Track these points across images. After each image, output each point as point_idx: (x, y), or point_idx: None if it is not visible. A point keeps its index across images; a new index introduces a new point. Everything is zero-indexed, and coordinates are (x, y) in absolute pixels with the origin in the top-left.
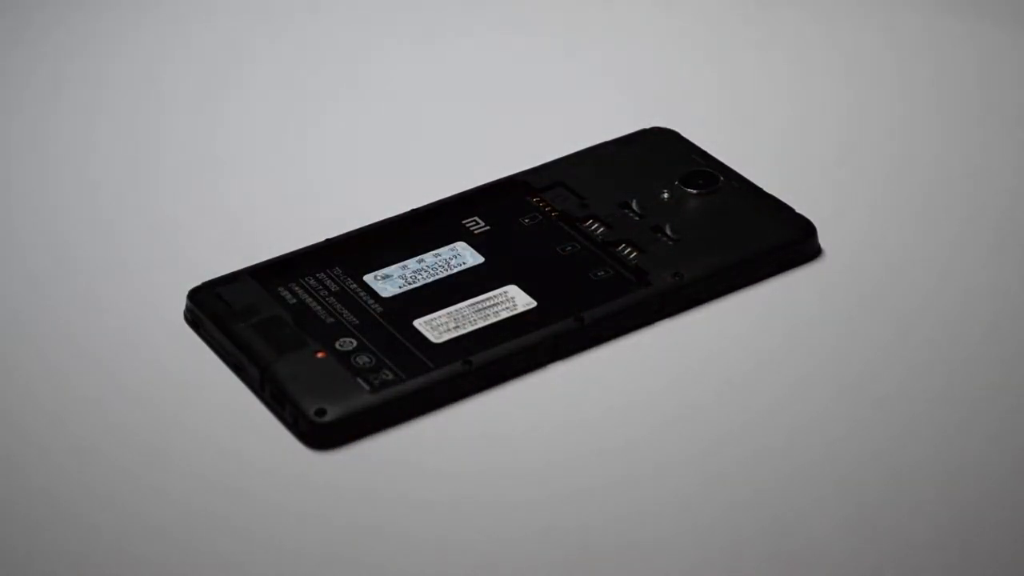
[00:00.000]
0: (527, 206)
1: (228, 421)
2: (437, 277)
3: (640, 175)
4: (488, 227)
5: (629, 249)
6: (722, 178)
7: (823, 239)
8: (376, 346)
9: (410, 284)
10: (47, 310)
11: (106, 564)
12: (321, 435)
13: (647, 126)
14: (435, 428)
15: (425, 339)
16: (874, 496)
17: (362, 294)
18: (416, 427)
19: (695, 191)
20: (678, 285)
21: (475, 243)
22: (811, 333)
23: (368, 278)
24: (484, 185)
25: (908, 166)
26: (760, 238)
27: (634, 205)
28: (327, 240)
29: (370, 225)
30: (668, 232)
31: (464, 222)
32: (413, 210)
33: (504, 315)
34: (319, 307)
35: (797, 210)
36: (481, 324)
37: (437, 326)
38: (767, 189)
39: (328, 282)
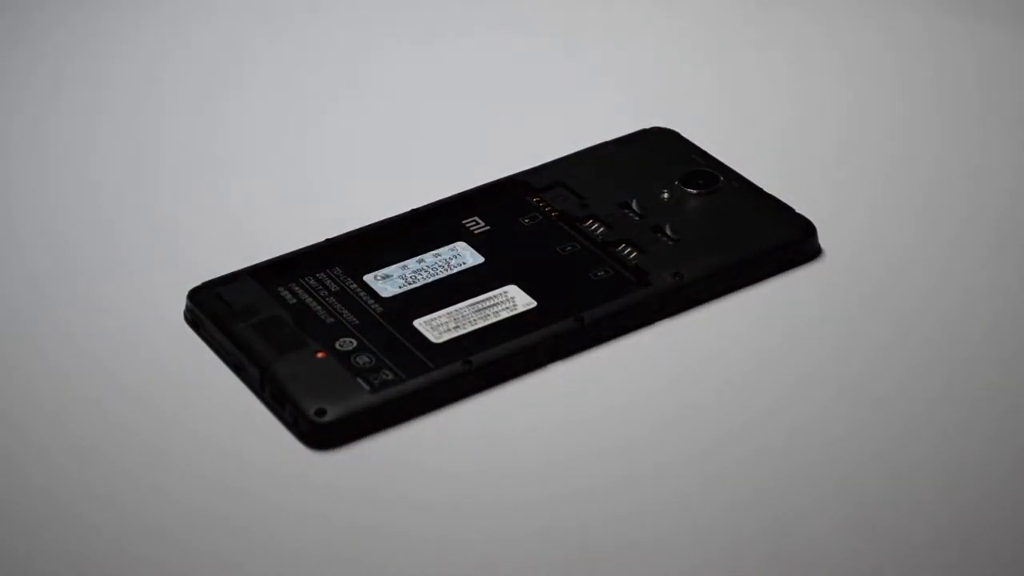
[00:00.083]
0: (527, 206)
1: (228, 421)
2: (437, 277)
3: (640, 175)
4: (488, 227)
5: (629, 249)
6: (722, 178)
7: (823, 239)
8: (376, 346)
9: (410, 284)
10: (47, 310)
11: (106, 564)
12: (321, 435)
13: (647, 126)
14: (435, 428)
15: (425, 339)
16: (874, 496)
17: (362, 294)
18: (416, 427)
19: (695, 191)
20: (678, 285)
21: (475, 243)
22: (811, 333)
23: (368, 278)
24: (484, 185)
25: (908, 166)
26: (760, 238)
27: (634, 205)
28: (327, 240)
29: (370, 225)
30: (668, 232)
31: (464, 222)
32: (413, 210)
33: (504, 315)
34: (319, 307)
35: (797, 210)
36: (481, 324)
37: (437, 326)
38: (767, 189)
39: (328, 282)
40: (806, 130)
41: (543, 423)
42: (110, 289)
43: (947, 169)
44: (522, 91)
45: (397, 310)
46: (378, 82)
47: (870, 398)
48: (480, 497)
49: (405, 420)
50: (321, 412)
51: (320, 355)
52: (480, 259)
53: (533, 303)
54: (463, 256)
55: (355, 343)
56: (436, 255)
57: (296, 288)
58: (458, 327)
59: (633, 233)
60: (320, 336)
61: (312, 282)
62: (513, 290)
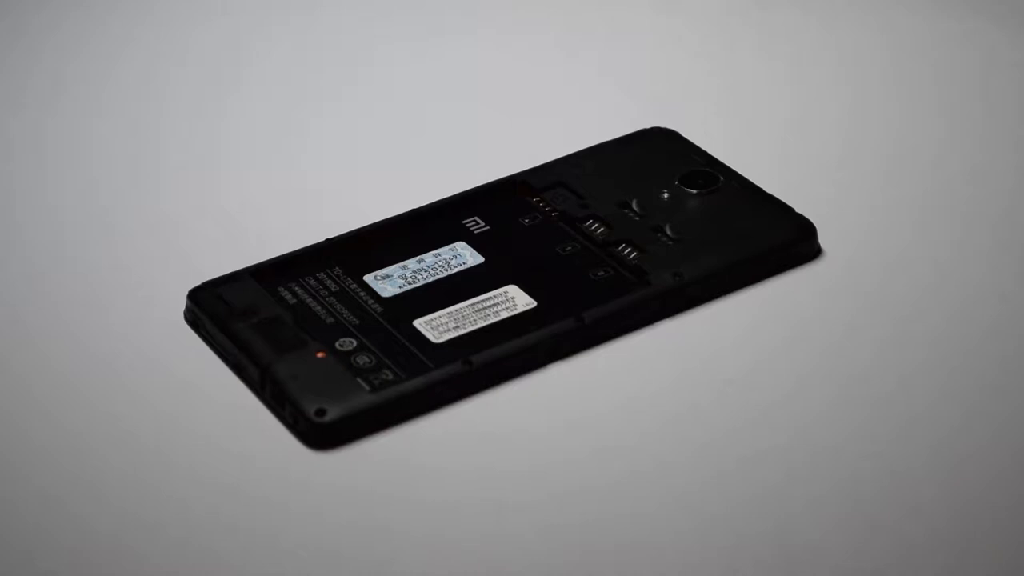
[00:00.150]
0: (527, 206)
1: (228, 421)
2: (437, 277)
3: (640, 175)
4: (488, 227)
5: (629, 249)
6: (722, 178)
7: (823, 239)
8: (376, 346)
9: (410, 284)
10: (47, 310)
11: (106, 564)
12: (321, 435)
13: (647, 126)
14: (435, 428)
15: (425, 339)
16: (874, 496)
17: (362, 294)
18: (416, 427)
19: (695, 191)
20: (678, 285)
21: (475, 243)
22: (811, 333)
23: (368, 278)
24: (484, 185)
25: (908, 166)
26: (760, 238)
27: (634, 205)
28: (327, 240)
29: (370, 225)
30: (668, 232)
31: (464, 222)
32: (413, 210)
33: (504, 315)
34: (319, 307)
35: (797, 210)
36: (481, 324)
37: (437, 326)
38: (767, 189)
39: (328, 282)
40: (806, 130)
41: (543, 423)
42: (110, 289)
43: (947, 169)
44: (522, 91)
45: (397, 310)
46: (378, 82)
47: (870, 398)
48: (480, 497)
49: (405, 420)
50: (321, 412)
51: (320, 355)
52: (480, 259)
53: (533, 303)
54: (463, 256)
55: (355, 343)
56: (436, 255)
57: (296, 288)
58: (458, 327)
59: (633, 233)
60: (320, 336)
61: (312, 282)
62: (513, 290)
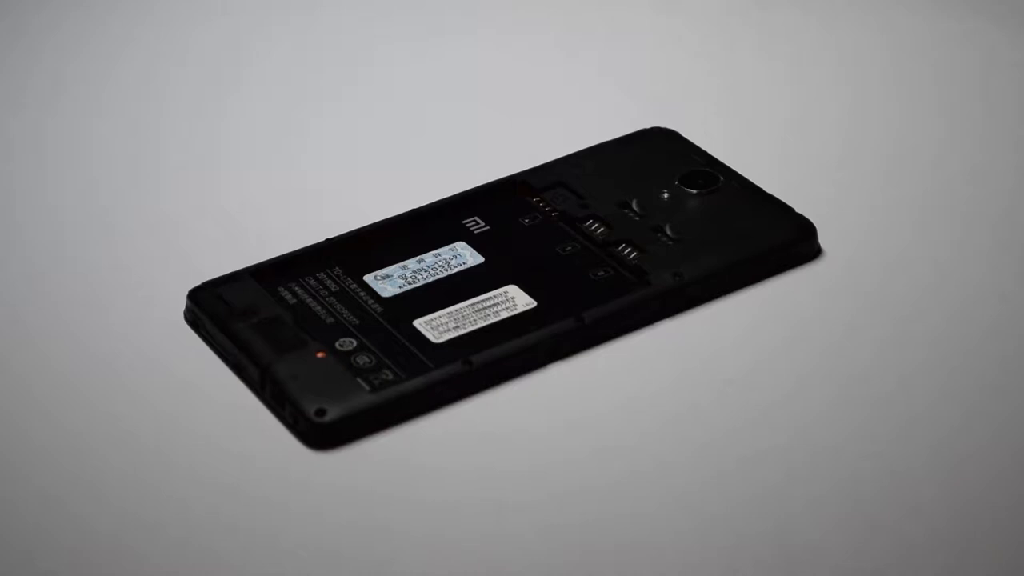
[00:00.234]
0: (527, 206)
1: (228, 421)
2: (437, 277)
3: (640, 175)
4: (488, 227)
5: (629, 249)
6: (722, 178)
7: (823, 239)
8: (376, 346)
9: (410, 284)
10: (47, 310)
11: (106, 564)
12: (321, 435)
13: (647, 126)
14: (435, 428)
15: (425, 339)
16: (874, 496)
17: (362, 294)
18: (416, 427)
19: (695, 191)
20: (678, 285)
21: (475, 243)
22: (811, 333)
23: (368, 278)
24: (484, 185)
25: (908, 166)
26: (760, 238)
27: (634, 205)
28: (327, 240)
29: (370, 225)
30: (668, 232)
31: (464, 222)
32: (413, 210)
33: (504, 315)
34: (319, 307)
35: (797, 210)
36: (481, 324)
37: (437, 326)
38: (767, 189)
39: (328, 282)
40: (806, 130)
41: (543, 423)
42: (110, 289)
43: (947, 169)
44: (522, 91)
45: (397, 310)
46: (378, 82)
47: (870, 398)
48: (480, 497)
49: (405, 420)
50: (321, 412)
51: (320, 355)
52: (480, 259)
53: (533, 303)
54: (463, 256)
55: (355, 343)
56: (436, 255)
57: (296, 288)
58: (458, 327)
59: (633, 233)
60: (320, 336)
61: (312, 282)
62: (513, 290)
